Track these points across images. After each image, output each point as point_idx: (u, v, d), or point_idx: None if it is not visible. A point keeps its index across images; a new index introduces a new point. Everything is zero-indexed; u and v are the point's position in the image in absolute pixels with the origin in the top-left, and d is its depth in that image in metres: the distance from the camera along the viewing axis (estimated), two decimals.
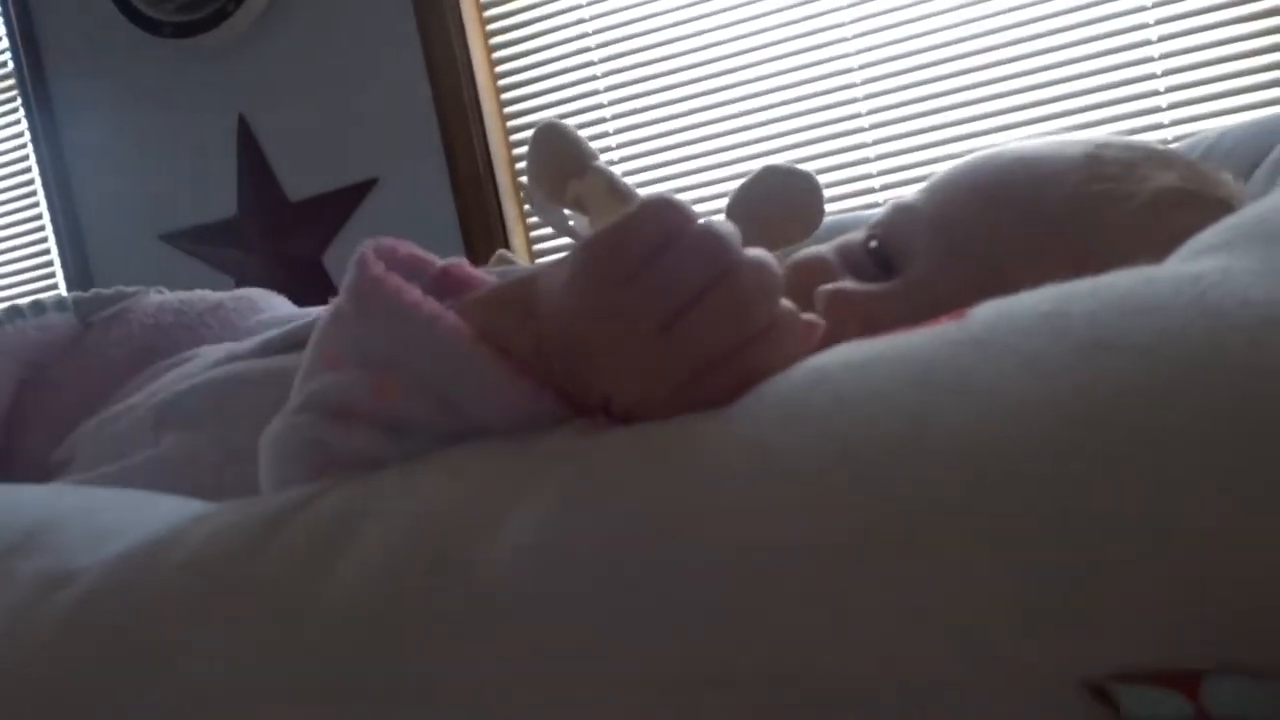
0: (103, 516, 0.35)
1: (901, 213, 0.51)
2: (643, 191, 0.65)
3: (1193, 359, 0.20)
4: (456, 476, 0.28)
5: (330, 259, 1.98)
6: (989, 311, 0.26)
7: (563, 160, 0.70)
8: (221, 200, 2.00)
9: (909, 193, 0.53)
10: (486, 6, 1.89)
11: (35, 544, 0.32)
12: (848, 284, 0.50)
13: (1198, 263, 0.25)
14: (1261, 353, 0.20)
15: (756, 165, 1.77)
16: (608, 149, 1.85)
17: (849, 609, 0.20)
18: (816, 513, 0.21)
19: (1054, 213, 0.47)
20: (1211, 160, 0.59)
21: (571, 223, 0.72)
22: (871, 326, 0.46)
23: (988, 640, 0.19)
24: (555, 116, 1.87)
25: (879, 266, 0.50)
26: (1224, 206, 0.46)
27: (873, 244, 0.51)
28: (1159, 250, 0.43)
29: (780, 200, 0.67)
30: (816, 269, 0.51)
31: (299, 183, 1.99)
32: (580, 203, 0.69)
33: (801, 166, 0.69)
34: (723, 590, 0.22)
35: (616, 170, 1.76)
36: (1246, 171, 0.57)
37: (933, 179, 0.53)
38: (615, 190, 0.68)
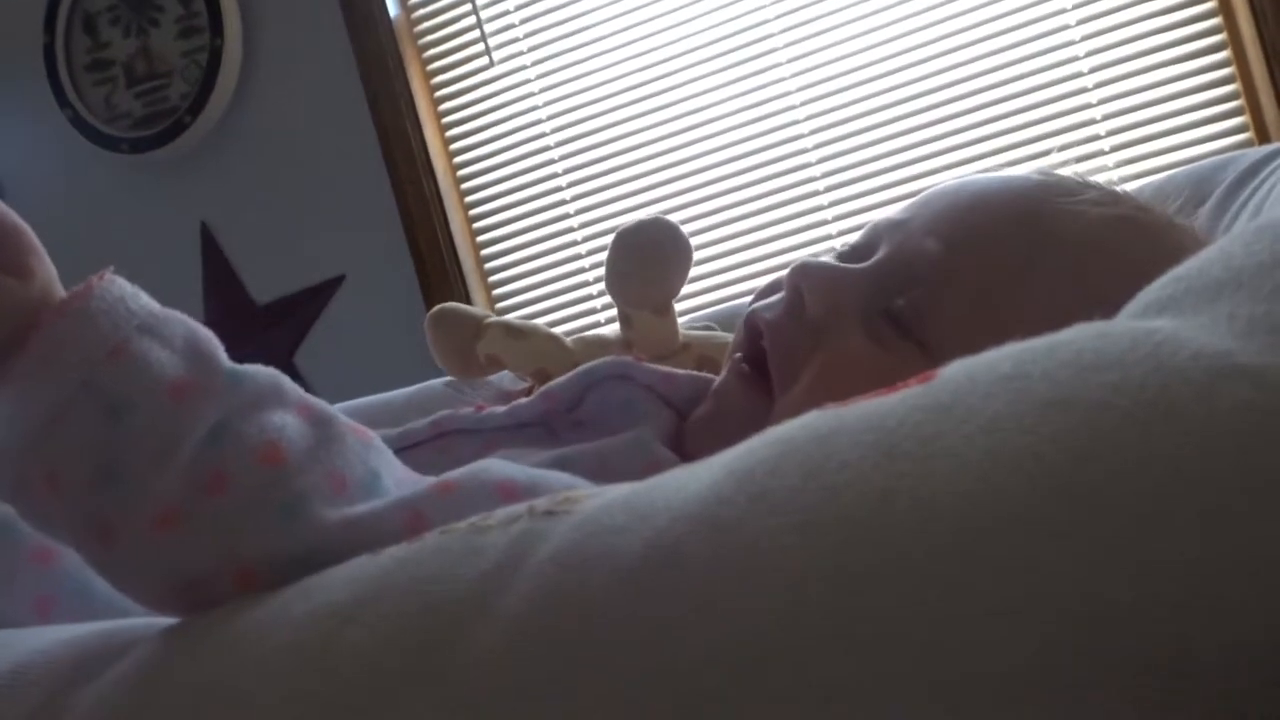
0: None
1: (870, 226, 0.57)
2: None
3: (1146, 414, 0.20)
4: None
5: (302, 358, 1.98)
6: (954, 373, 0.26)
7: (459, 334, 0.75)
8: (187, 309, 1.98)
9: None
10: (440, 100, 1.92)
11: None
12: (813, 259, 0.54)
13: (1148, 318, 0.25)
14: (1212, 405, 0.20)
15: (717, 234, 1.79)
16: (570, 229, 1.87)
17: (824, 693, 0.20)
18: (781, 591, 0.21)
19: (1006, 188, 0.53)
20: (1158, 199, 0.61)
21: (505, 379, 0.76)
22: (832, 296, 0.50)
23: (960, 705, 0.19)
24: (514, 202, 1.89)
25: None
26: (1155, 213, 0.50)
27: (840, 251, 0.54)
28: (1092, 240, 0.47)
29: (641, 253, 0.70)
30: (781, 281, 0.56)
31: (266, 285, 1.99)
32: (494, 359, 0.72)
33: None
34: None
35: (582, 255, 1.78)
36: (1191, 212, 0.58)
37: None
38: (514, 330, 0.72)
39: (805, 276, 0.52)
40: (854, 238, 0.57)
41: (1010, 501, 0.20)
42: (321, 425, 0.37)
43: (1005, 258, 0.49)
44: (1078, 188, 0.52)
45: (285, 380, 0.38)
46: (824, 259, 0.54)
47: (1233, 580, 0.18)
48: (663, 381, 0.57)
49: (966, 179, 0.55)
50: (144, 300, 0.36)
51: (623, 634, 0.22)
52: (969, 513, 0.21)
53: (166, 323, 0.36)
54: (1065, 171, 0.56)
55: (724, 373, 0.56)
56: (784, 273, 0.56)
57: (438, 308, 0.78)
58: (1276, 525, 0.19)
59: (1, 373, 0.34)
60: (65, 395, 0.33)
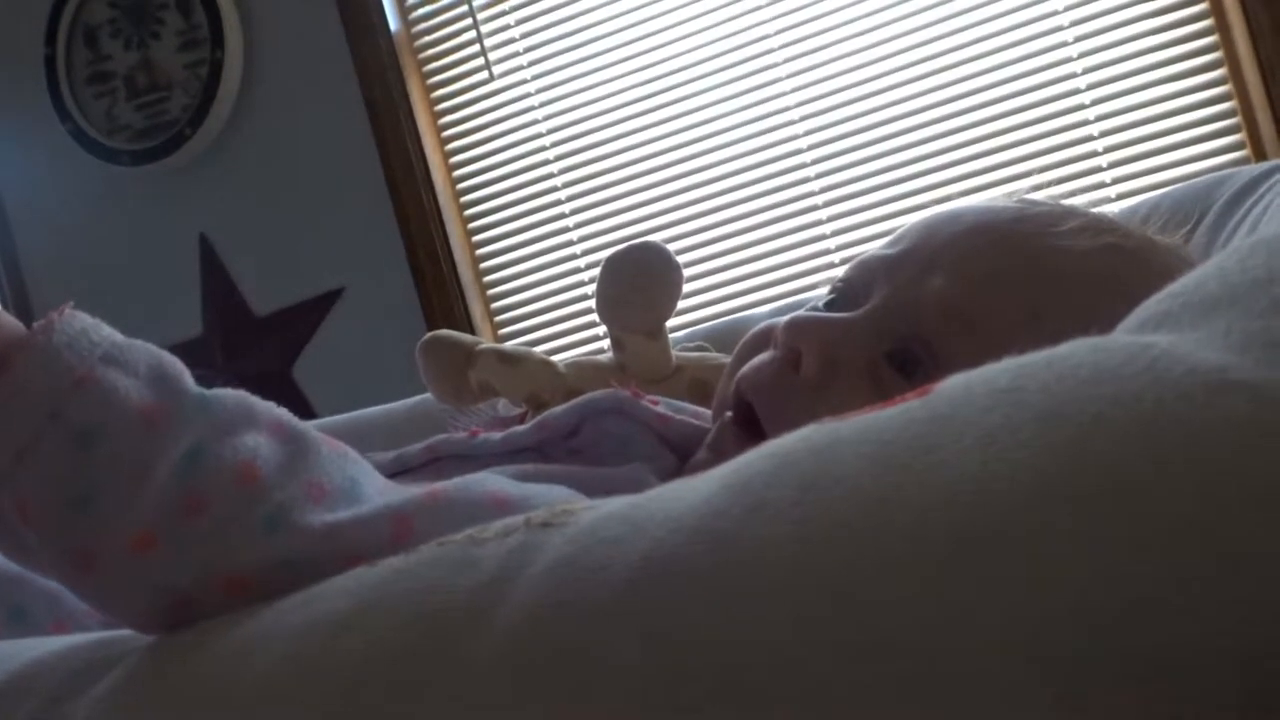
0: None
1: (859, 263, 0.54)
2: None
3: (1142, 428, 0.20)
4: None
5: (300, 371, 1.98)
6: (952, 387, 0.27)
7: (451, 361, 0.75)
8: (186, 320, 2.00)
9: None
10: (440, 114, 1.93)
11: None
12: (805, 313, 0.52)
13: (1145, 333, 0.26)
14: (1208, 418, 0.20)
15: (716, 249, 1.79)
16: (569, 243, 1.87)
17: (823, 701, 0.20)
18: (778, 601, 0.21)
19: (993, 224, 0.51)
20: (1155, 219, 0.61)
21: (499, 407, 0.76)
22: (827, 348, 0.49)
23: None
24: (513, 215, 1.89)
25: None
26: (1140, 239, 0.50)
27: (830, 297, 0.53)
28: (1081, 272, 0.47)
29: (632, 277, 0.70)
30: (772, 331, 0.54)
31: (264, 297, 2.00)
32: (486, 386, 0.72)
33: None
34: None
35: (580, 267, 1.78)
36: (1189, 231, 0.58)
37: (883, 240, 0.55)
38: (506, 357, 0.72)
39: (801, 334, 0.50)
40: (842, 275, 0.55)
41: (1006, 512, 0.20)
42: (294, 441, 0.37)
43: (1016, 302, 0.48)
44: (1061, 216, 0.51)
45: (254, 401, 0.38)
46: (815, 312, 0.52)
47: (1229, 591, 0.18)
48: (658, 421, 0.56)
49: (953, 212, 0.54)
50: (105, 331, 0.36)
51: (620, 644, 0.22)
52: (965, 522, 0.21)
53: (130, 351, 0.36)
54: (1044, 194, 0.56)
55: (714, 428, 0.54)
56: (764, 325, 0.54)
57: (429, 335, 0.78)
58: (1273, 536, 0.19)
59: None
60: (32, 428, 0.33)
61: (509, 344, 0.82)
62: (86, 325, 0.36)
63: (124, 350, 0.36)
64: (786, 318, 0.51)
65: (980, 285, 0.49)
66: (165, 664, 0.31)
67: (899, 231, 0.55)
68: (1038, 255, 0.49)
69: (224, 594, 0.33)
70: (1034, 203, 0.53)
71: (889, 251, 0.53)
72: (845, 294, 0.53)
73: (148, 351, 0.37)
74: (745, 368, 0.53)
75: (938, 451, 0.23)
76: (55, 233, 2.12)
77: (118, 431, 0.34)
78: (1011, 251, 0.49)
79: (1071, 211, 0.52)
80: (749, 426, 0.50)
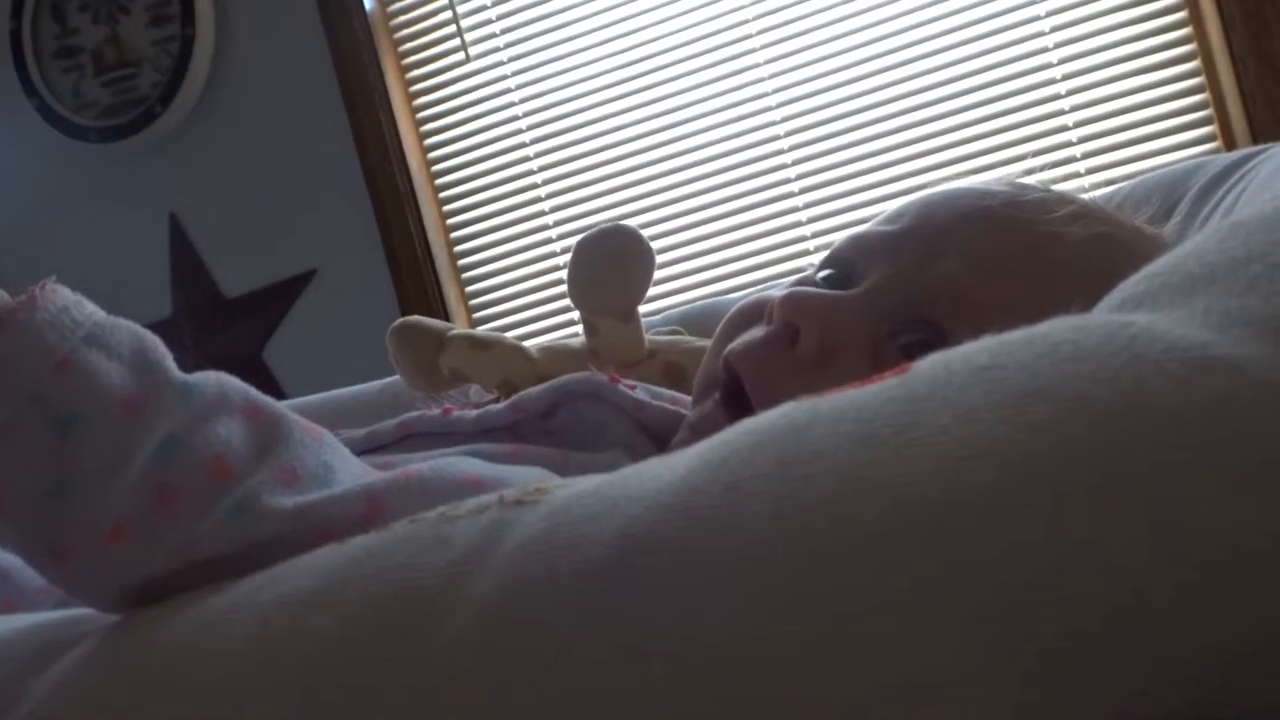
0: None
1: (854, 238, 0.53)
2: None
3: (1123, 405, 0.20)
4: None
5: (270, 353, 1.96)
6: (930, 365, 0.26)
7: (422, 348, 0.75)
8: (155, 301, 1.97)
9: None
10: (415, 95, 1.91)
11: None
12: (803, 288, 0.50)
13: (1125, 312, 0.25)
14: (1186, 395, 0.20)
15: (692, 234, 1.79)
16: (544, 226, 1.86)
17: (799, 679, 0.20)
18: (754, 578, 0.21)
19: (991, 208, 0.50)
20: (1129, 204, 0.61)
21: (470, 394, 0.76)
22: (827, 327, 0.48)
23: (932, 697, 0.19)
24: (488, 198, 1.88)
25: (834, 290, 0.51)
26: (1131, 229, 0.50)
27: (826, 271, 0.52)
28: (1076, 259, 0.46)
29: (603, 260, 0.70)
30: (765, 302, 0.51)
31: (235, 279, 1.97)
32: (458, 372, 0.72)
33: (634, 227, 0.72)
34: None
35: (553, 254, 1.77)
36: (1162, 218, 0.59)
37: (876, 218, 0.54)
38: (477, 342, 0.72)
39: (799, 311, 0.47)
40: (832, 253, 0.53)
41: (985, 489, 0.20)
42: (268, 426, 0.36)
43: (1022, 289, 0.46)
44: (1054, 203, 0.50)
45: (231, 385, 0.37)
46: (811, 288, 0.50)
47: (1209, 569, 0.18)
48: (634, 407, 0.55)
49: (950, 192, 0.52)
50: (89, 309, 0.36)
51: (592, 621, 0.22)
52: (943, 500, 0.20)
53: (113, 331, 0.35)
54: (1031, 179, 0.55)
55: (696, 408, 0.53)
56: (753, 299, 0.52)
57: (399, 322, 0.77)
58: (1251, 514, 0.19)
59: None
60: (12, 411, 0.32)
61: (480, 329, 0.81)
62: (69, 302, 0.35)
63: (107, 330, 0.35)
64: (783, 292, 0.49)
65: (990, 271, 0.47)
66: (128, 641, 0.30)
67: (895, 209, 0.53)
68: (1037, 243, 0.48)
69: (196, 577, 0.32)
70: (1026, 186, 0.53)
71: (887, 229, 0.51)
72: (842, 270, 0.51)
73: (131, 332, 0.36)
74: (735, 343, 0.50)
75: (916, 429, 0.23)
76: (21, 211, 2.08)
77: (98, 419, 0.33)
78: (1013, 237, 0.48)
79: (1063, 198, 0.51)
80: (735, 405, 0.48)
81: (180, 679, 0.27)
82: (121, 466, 0.33)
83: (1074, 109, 1.60)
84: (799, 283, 0.53)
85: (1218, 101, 1.55)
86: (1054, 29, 1.60)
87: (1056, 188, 0.55)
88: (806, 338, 0.47)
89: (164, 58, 1.93)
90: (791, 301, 0.48)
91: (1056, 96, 1.60)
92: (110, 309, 0.37)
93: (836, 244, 0.54)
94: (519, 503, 0.27)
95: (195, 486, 0.33)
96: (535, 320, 1.87)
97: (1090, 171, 1.59)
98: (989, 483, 0.20)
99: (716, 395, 0.50)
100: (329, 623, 0.25)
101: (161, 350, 0.36)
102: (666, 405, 0.56)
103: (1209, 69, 1.55)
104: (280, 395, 1.74)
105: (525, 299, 1.88)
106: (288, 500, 0.34)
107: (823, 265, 0.53)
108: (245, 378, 0.38)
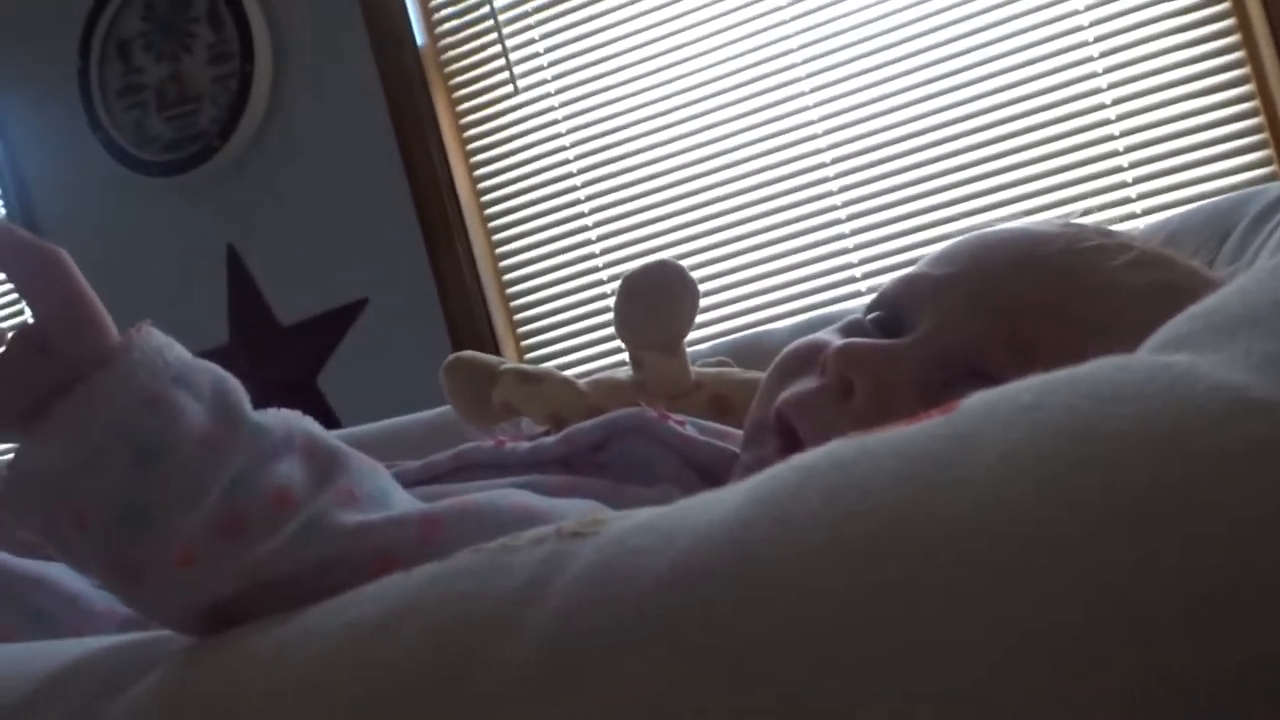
0: None
1: (906, 281, 0.53)
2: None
3: (1163, 446, 0.21)
4: None
5: (325, 381, 2.00)
6: (975, 404, 0.27)
7: (475, 383, 0.77)
8: (213, 329, 2.02)
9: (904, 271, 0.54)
10: (465, 127, 1.95)
11: None
12: (857, 339, 0.50)
13: (1167, 353, 0.26)
14: (1226, 437, 0.20)
15: (739, 262, 1.79)
16: (591, 255, 1.88)
17: (845, 707, 0.21)
18: (800, 610, 0.22)
19: (1047, 255, 0.50)
20: (1180, 238, 0.61)
21: (522, 426, 0.78)
22: (883, 380, 0.47)
23: None
24: (536, 227, 1.91)
25: (885, 335, 0.51)
26: (1188, 273, 0.49)
27: (876, 313, 0.52)
28: (1133, 309, 0.46)
29: (647, 296, 0.71)
30: (817, 348, 0.52)
31: (290, 307, 2.02)
32: (509, 406, 0.74)
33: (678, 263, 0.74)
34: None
35: (602, 279, 1.79)
36: (1214, 248, 0.58)
37: (926, 258, 0.54)
38: (527, 377, 0.74)
39: (856, 364, 0.48)
40: (882, 294, 0.53)
41: (1025, 525, 0.21)
42: (326, 458, 0.39)
43: (1075, 335, 0.45)
44: (1113, 249, 0.50)
45: (294, 424, 0.40)
46: (863, 337, 0.50)
47: (1243, 606, 0.19)
48: (683, 444, 0.56)
49: (1001, 235, 0.52)
50: (178, 351, 0.39)
51: (647, 649, 0.23)
52: (984, 535, 0.21)
53: (197, 372, 0.39)
54: (1085, 219, 0.55)
55: (749, 451, 0.53)
56: (804, 344, 0.53)
57: (452, 357, 0.79)
58: None
59: (43, 415, 0.36)
60: (99, 440, 0.35)
61: (529, 363, 0.83)
62: (161, 344, 0.38)
63: (192, 371, 0.38)
64: (838, 343, 0.49)
65: (1046, 321, 0.47)
66: (201, 666, 0.31)
67: (944, 251, 0.53)
68: (1095, 290, 0.48)
69: (264, 598, 0.34)
70: (1082, 230, 0.52)
71: (937, 273, 0.51)
72: (892, 314, 0.52)
73: (212, 373, 0.39)
74: (789, 393, 0.51)
75: (959, 468, 0.24)
76: (86, 242, 2.15)
77: (179, 453, 0.36)
78: (1070, 285, 0.48)
79: (1121, 244, 0.51)
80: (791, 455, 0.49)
81: (249, 705, 0.28)
82: (196, 498, 0.35)
83: (1124, 134, 1.59)
84: (849, 326, 0.53)
85: (1273, 125, 1.53)
86: (1103, 54, 1.59)
87: (1113, 228, 0.54)
88: (862, 391, 0.48)
89: (223, 93, 1.99)
90: (846, 355, 0.48)
91: (1107, 121, 1.60)
92: (170, 335, 0.40)
93: (887, 285, 0.54)
94: (576, 534, 0.28)
95: (260, 515, 0.36)
96: (583, 348, 1.89)
97: (1141, 198, 1.58)
98: (1028, 518, 0.21)
99: (775, 444, 0.50)
100: (395, 648, 0.26)
101: (240, 393, 0.39)
102: (715, 441, 0.57)
103: (1264, 93, 1.53)
104: (334, 422, 1.77)
105: (573, 326, 1.90)
106: (349, 518, 0.36)
107: (872, 307, 0.53)
108: (299, 405, 0.41)
